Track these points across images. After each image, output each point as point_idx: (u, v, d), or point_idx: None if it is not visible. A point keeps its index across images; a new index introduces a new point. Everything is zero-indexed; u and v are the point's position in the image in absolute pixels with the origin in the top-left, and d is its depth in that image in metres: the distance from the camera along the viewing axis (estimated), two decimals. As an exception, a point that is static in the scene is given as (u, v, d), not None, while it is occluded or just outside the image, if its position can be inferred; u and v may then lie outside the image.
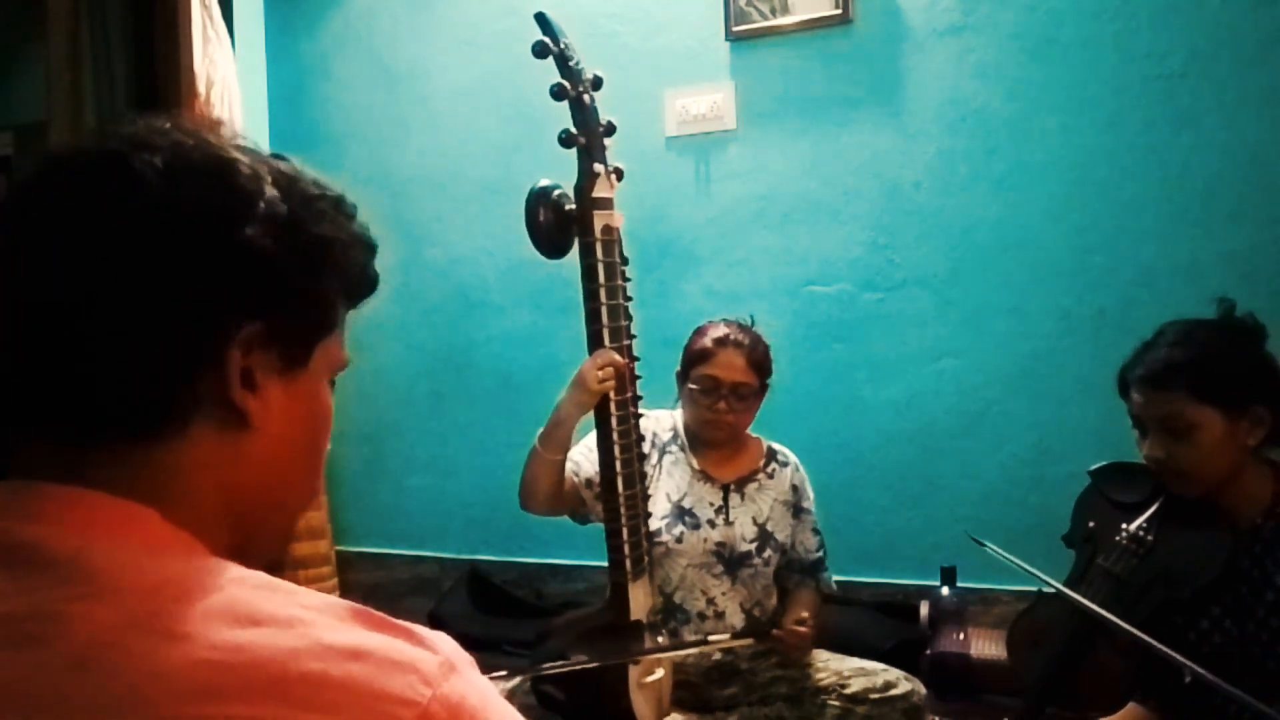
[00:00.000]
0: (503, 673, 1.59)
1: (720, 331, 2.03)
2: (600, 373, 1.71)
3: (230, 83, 2.81)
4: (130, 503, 0.57)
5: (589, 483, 1.95)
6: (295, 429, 0.65)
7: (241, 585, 0.55)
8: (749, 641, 1.91)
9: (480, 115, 3.20)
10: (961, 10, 2.70)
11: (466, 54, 3.21)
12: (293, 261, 0.61)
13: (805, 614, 1.94)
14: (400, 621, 0.57)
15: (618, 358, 1.73)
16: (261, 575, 0.56)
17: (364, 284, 0.69)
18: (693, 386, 2.01)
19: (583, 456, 1.97)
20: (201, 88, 2.68)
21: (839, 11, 2.76)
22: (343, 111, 3.40)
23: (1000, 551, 1.55)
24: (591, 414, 1.77)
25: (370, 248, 0.69)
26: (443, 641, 0.57)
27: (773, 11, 2.84)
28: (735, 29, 2.87)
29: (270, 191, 0.61)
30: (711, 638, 1.88)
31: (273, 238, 0.60)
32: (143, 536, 0.56)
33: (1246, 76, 2.47)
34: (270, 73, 3.43)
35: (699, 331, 2.07)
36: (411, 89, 3.30)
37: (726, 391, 1.99)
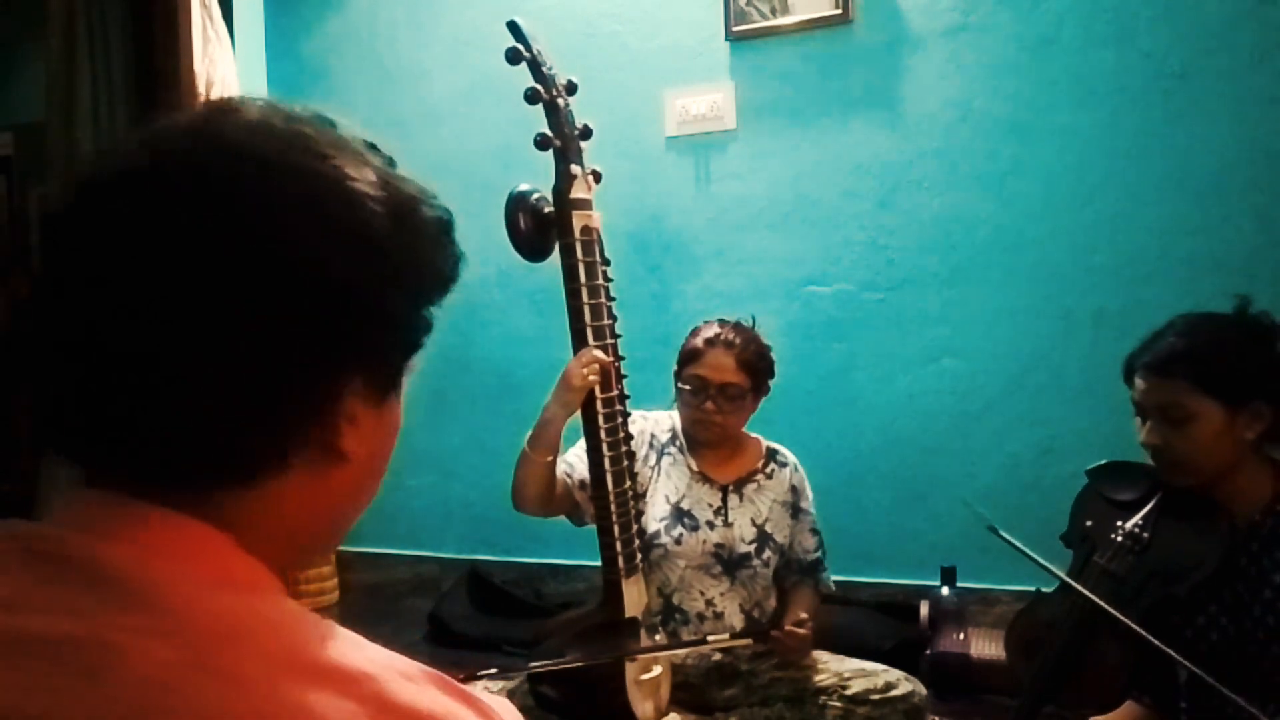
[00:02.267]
0: (491, 671, 1.59)
1: (712, 331, 2.03)
2: (584, 370, 1.72)
3: (230, 83, 2.82)
4: (204, 525, 0.54)
5: (582, 484, 1.95)
6: (379, 448, 0.63)
7: (307, 629, 0.52)
8: (748, 642, 1.90)
9: (479, 116, 3.20)
10: (961, 10, 2.70)
11: (466, 55, 3.21)
12: (407, 302, 0.59)
13: (804, 615, 1.94)
14: (464, 687, 0.54)
15: (602, 355, 1.74)
16: (328, 621, 0.53)
17: (447, 293, 0.66)
18: (683, 386, 2.02)
19: (576, 458, 1.97)
20: (201, 88, 2.68)
21: (839, 11, 2.76)
22: (342, 112, 3.35)
23: (1015, 542, 1.55)
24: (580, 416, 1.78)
25: (460, 257, 0.65)
26: (507, 714, 0.55)
27: (773, 11, 2.84)
28: (735, 29, 2.87)
29: (384, 224, 0.57)
30: (711, 638, 1.87)
31: (389, 281, 0.57)
32: (214, 565, 0.54)
33: (1246, 76, 2.47)
34: (270, 73, 3.43)
35: (693, 331, 2.07)
36: (411, 90, 3.31)
37: (715, 391, 1.98)
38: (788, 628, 1.90)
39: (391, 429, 0.64)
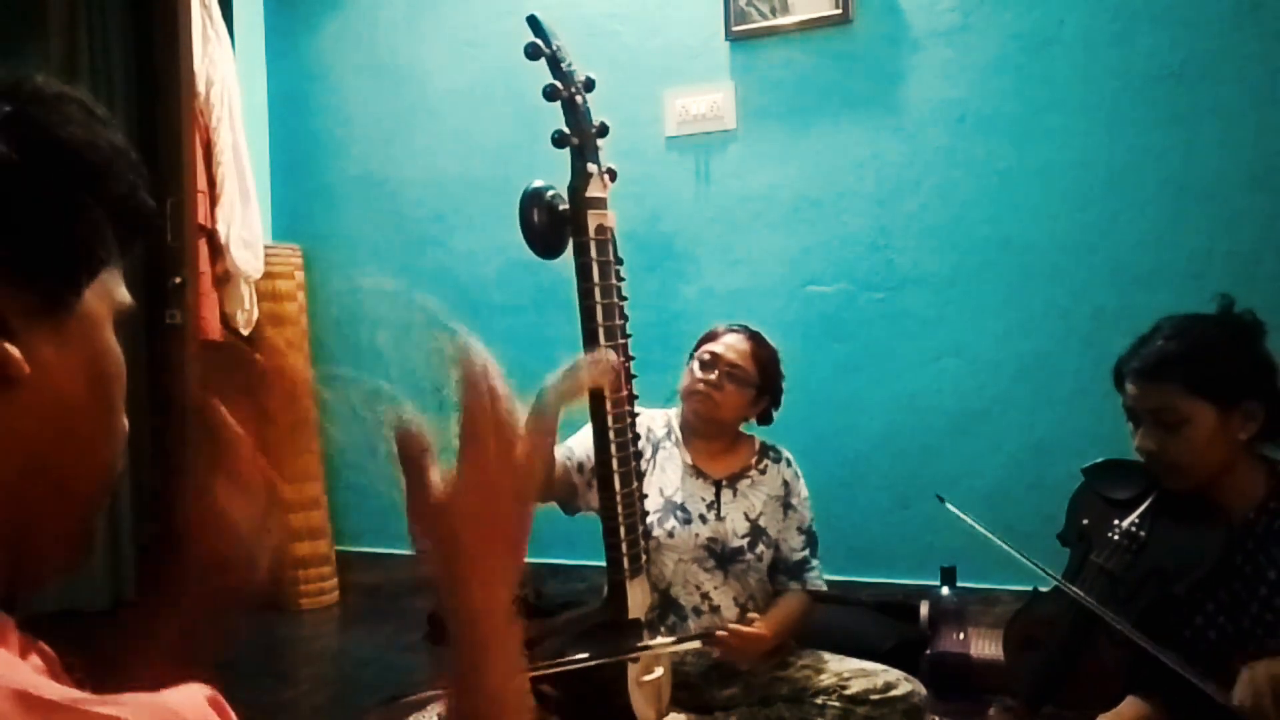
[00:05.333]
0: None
1: (736, 325, 2.13)
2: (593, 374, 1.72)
3: (230, 83, 2.82)
4: None
5: (580, 467, 1.96)
6: (73, 384, 0.53)
7: None
8: (695, 645, 1.90)
9: (480, 115, 3.21)
10: (961, 10, 2.70)
11: (466, 54, 3.21)
12: (33, 172, 0.50)
13: (753, 615, 1.94)
14: (96, 706, 0.43)
15: (612, 356, 1.73)
16: None
17: (132, 210, 0.56)
18: (694, 361, 2.06)
19: (576, 442, 1.98)
20: (201, 88, 2.69)
21: (839, 11, 2.77)
22: (343, 112, 3.40)
23: (966, 517, 1.55)
24: (587, 411, 1.78)
25: (136, 165, 0.56)
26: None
27: (773, 11, 2.84)
28: (735, 29, 2.88)
29: None
30: (655, 641, 1.86)
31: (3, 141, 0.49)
32: None
33: (1246, 76, 2.47)
34: (270, 73, 3.43)
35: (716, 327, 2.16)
36: (411, 89, 3.31)
37: (723, 369, 2.03)
38: (733, 627, 1.89)
39: (92, 363, 0.55)
